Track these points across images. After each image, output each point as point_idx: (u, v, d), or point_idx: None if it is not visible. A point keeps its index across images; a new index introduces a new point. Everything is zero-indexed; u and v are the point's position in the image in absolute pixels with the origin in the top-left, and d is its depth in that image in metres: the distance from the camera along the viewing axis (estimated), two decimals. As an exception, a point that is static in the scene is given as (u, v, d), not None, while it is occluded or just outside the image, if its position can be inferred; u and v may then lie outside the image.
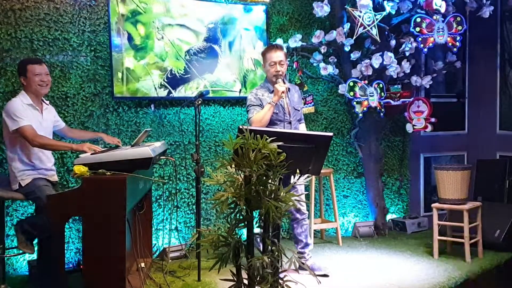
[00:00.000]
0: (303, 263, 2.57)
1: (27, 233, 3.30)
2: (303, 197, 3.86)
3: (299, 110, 3.83)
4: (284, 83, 3.65)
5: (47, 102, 3.63)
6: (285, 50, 3.96)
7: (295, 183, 2.63)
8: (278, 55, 3.65)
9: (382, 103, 4.80)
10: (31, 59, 3.65)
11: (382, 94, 4.78)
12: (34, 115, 3.42)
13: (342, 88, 4.74)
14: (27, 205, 3.87)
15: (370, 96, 4.72)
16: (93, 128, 4.11)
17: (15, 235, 3.44)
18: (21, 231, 3.30)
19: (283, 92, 3.55)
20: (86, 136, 3.80)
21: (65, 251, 3.42)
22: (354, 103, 4.74)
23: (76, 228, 4.02)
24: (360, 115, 4.79)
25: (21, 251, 3.34)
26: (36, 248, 3.49)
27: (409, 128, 5.02)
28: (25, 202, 3.80)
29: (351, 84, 4.71)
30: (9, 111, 3.31)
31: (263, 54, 3.77)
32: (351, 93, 4.71)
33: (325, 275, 3.73)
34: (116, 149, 3.24)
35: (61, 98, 4.02)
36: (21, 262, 3.88)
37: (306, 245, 3.84)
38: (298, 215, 3.80)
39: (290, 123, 3.69)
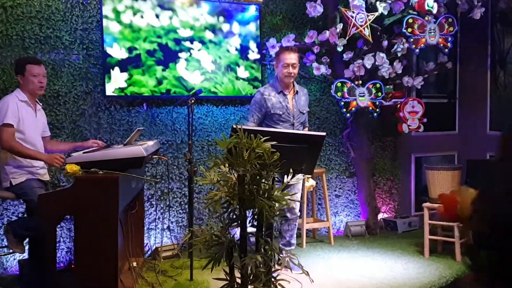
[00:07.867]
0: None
1: (19, 236, 3.25)
2: (298, 196, 3.86)
3: (304, 113, 3.87)
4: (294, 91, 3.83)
5: (41, 104, 3.61)
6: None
7: (288, 182, 2.63)
8: (291, 57, 3.73)
9: (378, 103, 4.82)
10: (31, 58, 3.59)
11: (380, 94, 4.80)
12: (28, 112, 3.40)
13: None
14: (18, 204, 3.83)
15: (361, 96, 4.74)
16: (84, 127, 4.09)
17: (4, 235, 3.41)
18: (13, 233, 3.24)
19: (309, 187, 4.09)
20: (64, 148, 3.67)
21: (57, 250, 3.39)
22: (342, 103, 4.76)
23: (68, 228, 3.99)
24: (348, 115, 4.80)
25: (11, 251, 3.32)
26: (27, 248, 3.46)
27: (405, 128, 5.03)
28: (15, 201, 3.77)
29: (339, 84, 4.72)
30: (2, 106, 3.28)
31: (277, 54, 3.83)
32: (339, 94, 4.73)
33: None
34: (108, 148, 3.23)
35: (52, 97, 3.99)
36: (12, 261, 3.85)
37: (289, 243, 3.87)
38: (288, 214, 3.80)
39: (293, 124, 3.72)
